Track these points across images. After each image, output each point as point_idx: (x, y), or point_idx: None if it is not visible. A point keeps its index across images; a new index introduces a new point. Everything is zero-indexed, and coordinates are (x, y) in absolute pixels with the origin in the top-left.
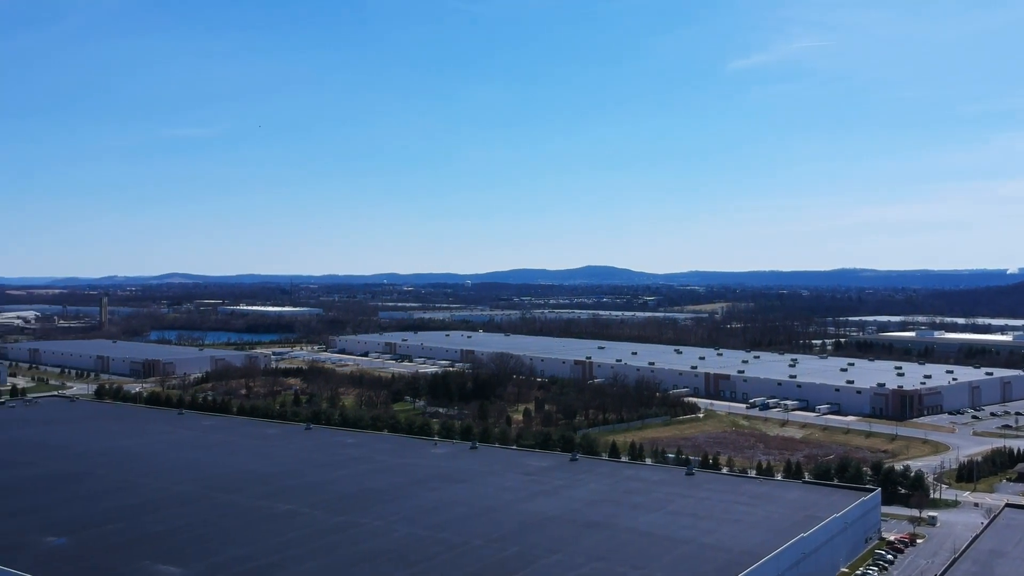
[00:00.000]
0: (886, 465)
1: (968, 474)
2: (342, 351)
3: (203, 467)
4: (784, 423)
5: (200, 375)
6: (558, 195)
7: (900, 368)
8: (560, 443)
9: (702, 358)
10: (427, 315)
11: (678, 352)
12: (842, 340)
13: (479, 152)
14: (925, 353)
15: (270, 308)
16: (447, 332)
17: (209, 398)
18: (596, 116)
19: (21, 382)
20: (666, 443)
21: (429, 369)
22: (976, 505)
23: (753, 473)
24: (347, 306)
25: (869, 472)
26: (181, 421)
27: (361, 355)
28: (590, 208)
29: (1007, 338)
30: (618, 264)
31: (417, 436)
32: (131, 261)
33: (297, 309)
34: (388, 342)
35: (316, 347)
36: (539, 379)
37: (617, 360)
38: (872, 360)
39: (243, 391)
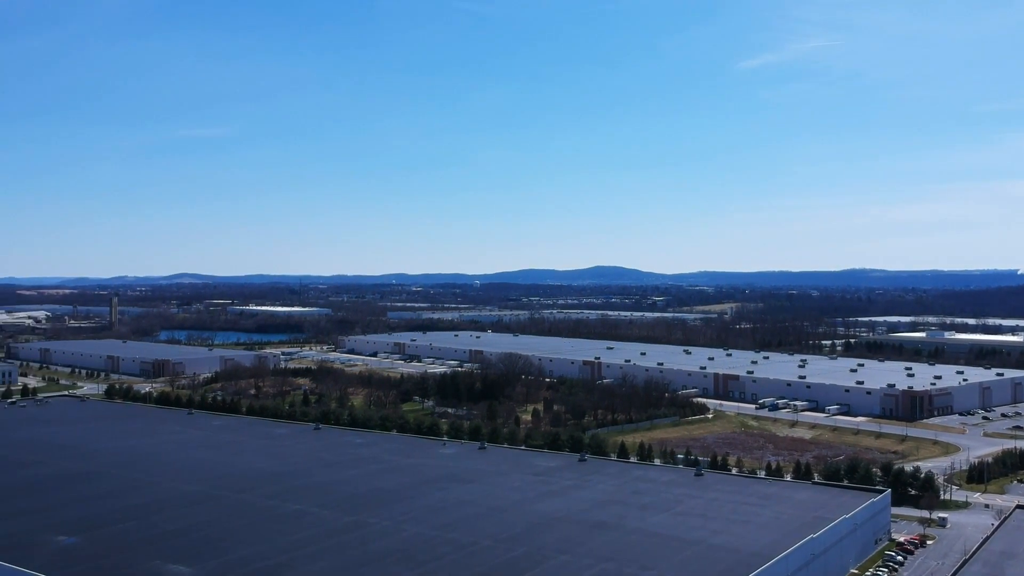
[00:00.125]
0: (896, 466)
1: (979, 475)
2: (351, 351)
3: (213, 467)
4: (794, 424)
5: (210, 375)
6: (567, 195)
7: (910, 369)
8: (569, 443)
9: (711, 358)
10: (436, 315)
11: (687, 352)
12: (852, 340)
13: (488, 152)
14: (935, 354)
15: (279, 308)
16: (456, 332)
17: (219, 398)
18: (605, 116)
19: (32, 382)
20: (675, 444)
21: (438, 369)
22: (987, 506)
23: (762, 474)
24: (356, 306)
25: (879, 473)
26: (191, 421)
27: (370, 355)
28: (599, 208)
29: (1018, 339)
30: (627, 264)
31: (426, 436)
32: (141, 261)
33: (306, 309)
34: (397, 342)
35: (325, 347)
36: (548, 379)
37: (626, 360)
38: (882, 361)
39: (252, 391)
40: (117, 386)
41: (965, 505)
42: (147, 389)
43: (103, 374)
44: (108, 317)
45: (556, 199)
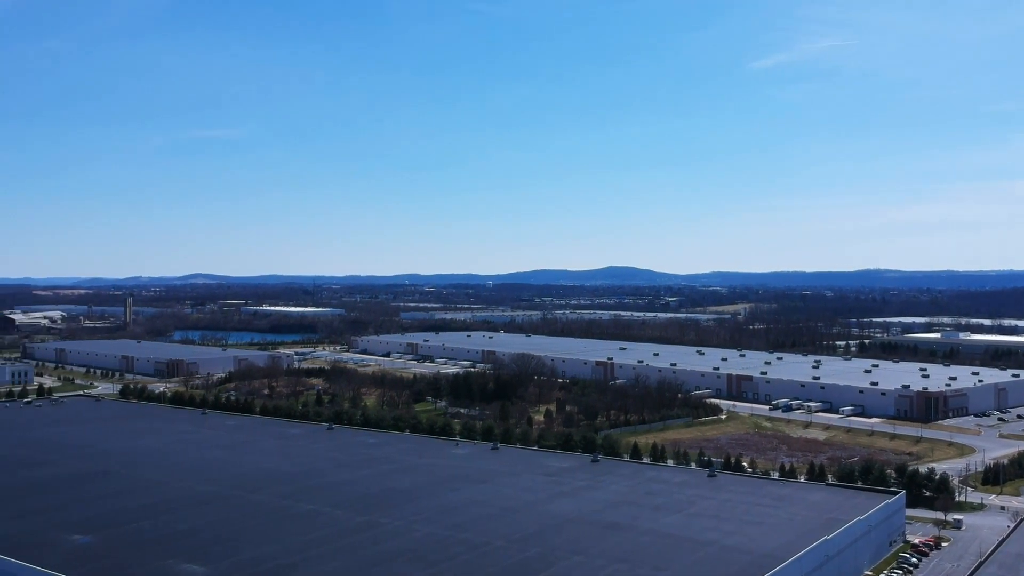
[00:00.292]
0: (911, 467)
1: (994, 477)
2: (364, 351)
3: (226, 467)
4: (807, 425)
5: (223, 375)
6: (579, 195)
7: (925, 369)
8: (581, 444)
9: (724, 359)
10: (448, 315)
11: (700, 353)
12: (866, 341)
13: (501, 153)
14: (950, 354)
15: (293, 308)
16: (468, 332)
17: (232, 398)
18: (617, 116)
19: (48, 382)
20: (688, 444)
21: (450, 369)
22: (1002, 508)
23: (776, 475)
24: (369, 306)
25: (893, 474)
26: (205, 421)
27: (383, 355)
28: (611, 208)
29: None
30: (639, 264)
31: (438, 436)
32: (155, 262)
33: (319, 309)
34: (410, 342)
35: (338, 347)
36: (560, 380)
37: (639, 361)
38: (896, 361)
39: (266, 391)
40: (132, 386)
41: (980, 507)
42: (161, 389)
43: (118, 374)
44: (123, 317)
45: (569, 199)
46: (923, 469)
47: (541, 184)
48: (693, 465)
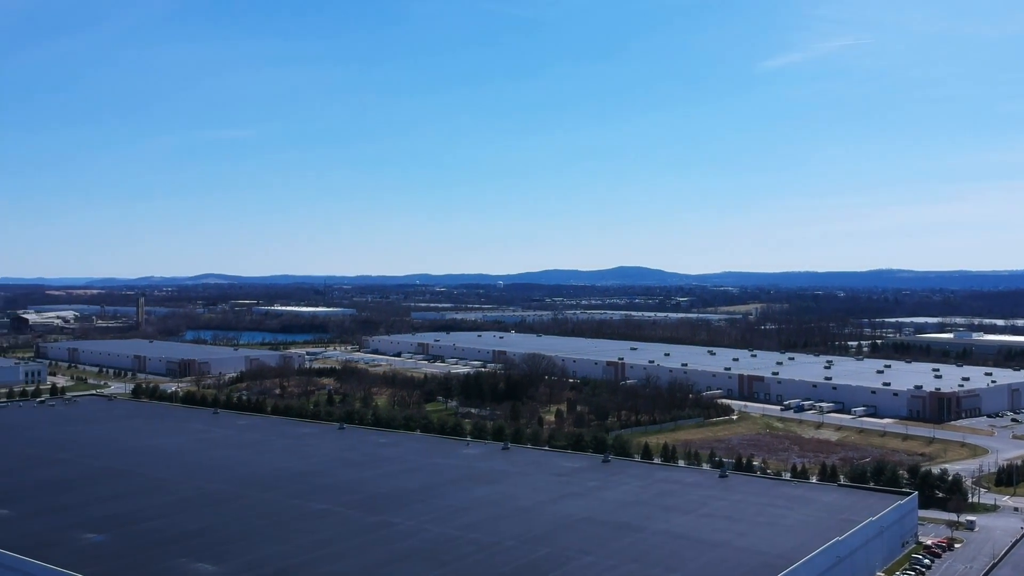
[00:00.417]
0: (923, 468)
1: (1007, 478)
2: (375, 351)
3: (238, 466)
4: (819, 425)
5: (235, 375)
6: (590, 195)
7: (938, 370)
8: (592, 444)
9: (736, 359)
10: (459, 316)
11: (711, 353)
12: (878, 342)
13: (512, 153)
14: (963, 355)
15: (304, 308)
16: (479, 333)
17: (244, 397)
18: (629, 116)
19: (61, 381)
20: (699, 445)
21: (461, 369)
22: (1016, 510)
23: (788, 476)
24: (380, 307)
25: (906, 475)
26: (216, 420)
27: (394, 355)
28: (622, 208)
29: None
30: (650, 265)
31: (449, 436)
32: (167, 262)
33: (331, 309)
34: (421, 342)
35: (349, 347)
36: (571, 380)
37: (650, 361)
38: (909, 362)
39: (277, 391)
40: (144, 385)
41: (993, 508)
42: (173, 388)
43: (130, 373)
44: (135, 317)
45: (580, 199)
46: (936, 470)
47: (552, 184)
48: (704, 466)
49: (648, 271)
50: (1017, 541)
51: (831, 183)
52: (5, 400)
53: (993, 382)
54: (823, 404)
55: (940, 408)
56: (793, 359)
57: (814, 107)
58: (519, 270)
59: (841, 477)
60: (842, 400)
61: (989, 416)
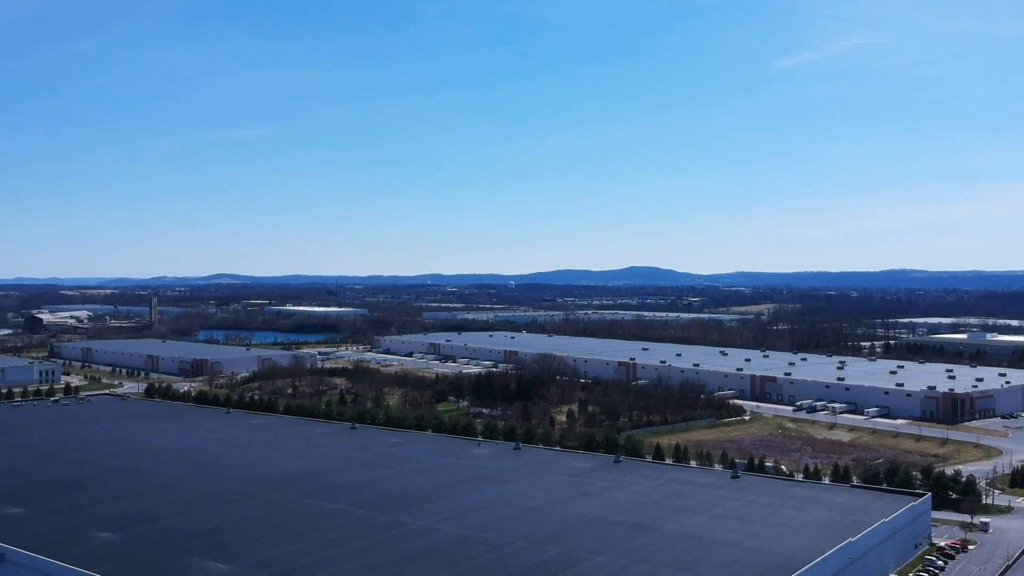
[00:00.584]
0: (936, 469)
1: (1022, 479)
2: (387, 351)
3: (250, 465)
4: (832, 426)
5: (247, 374)
6: (601, 196)
7: (951, 371)
8: (604, 444)
9: (748, 360)
10: (471, 316)
11: (723, 354)
12: (891, 342)
13: (522, 153)
14: (977, 355)
15: (316, 308)
16: (491, 333)
17: (256, 397)
18: (640, 116)
19: (75, 380)
20: (711, 445)
21: (472, 369)
22: None
23: (800, 476)
24: (392, 307)
25: (919, 476)
26: (229, 420)
27: (405, 355)
28: (634, 208)
29: None
30: (662, 265)
31: (461, 436)
32: (180, 262)
33: (342, 309)
34: (432, 342)
35: (361, 347)
36: (582, 380)
37: (661, 361)
38: (922, 362)
39: (289, 390)
40: (157, 385)
41: (1008, 510)
42: (186, 388)
43: (143, 373)
44: (148, 317)
45: (591, 199)
46: (949, 471)
47: (564, 184)
48: (716, 466)
49: (659, 271)
50: None
51: (844, 183)
52: (20, 399)
53: (1007, 383)
54: (836, 405)
55: (954, 409)
56: (805, 359)
57: (826, 106)
58: (530, 270)
59: (854, 478)
60: (855, 401)
61: (1003, 417)
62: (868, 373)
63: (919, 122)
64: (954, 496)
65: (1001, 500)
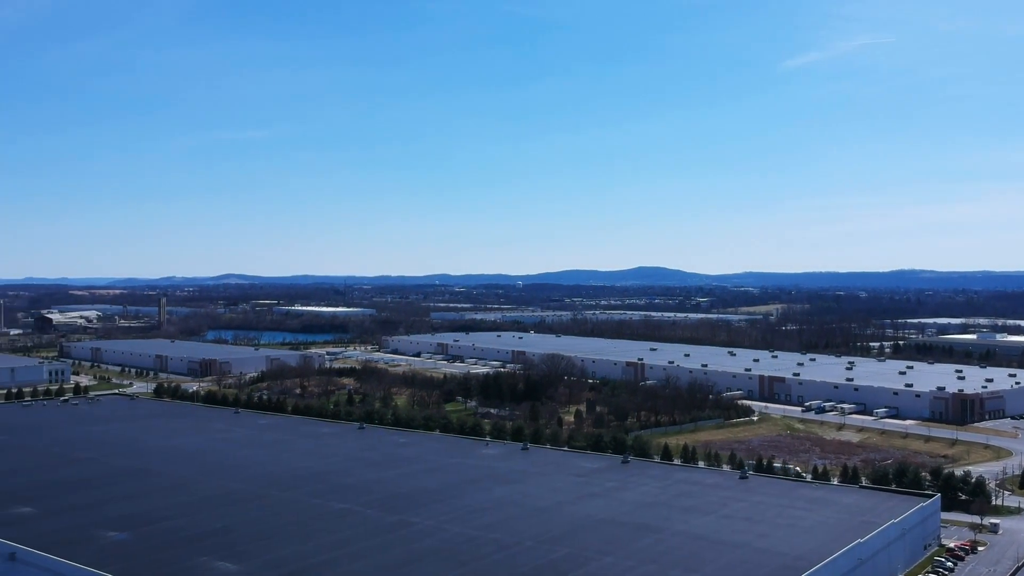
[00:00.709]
0: (946, 470)
1: None
2: (395, 351)
3: (259, 465)
4: (840, 427)
5: (256, 374)
6: (609, 196)
7: (961, 371)
8: (612, 445)
9: (756, 360)
10: (478, 316)
11: (731, 354)
12: (901, 342)
13: (530, 153)
14: (987, 356)
15: (324, 308)
16: (498, 333)
17: (264, 397)
18: (648, 116)
19: (84, 380)
20: (719, 446)
21: (480, 370)
22: None
23: (809, 477)
24: (400, 307)
25: (928, 477)
26: (237, 419)
27: (413, 355)
28: (642, 208)
29: None
30: (670, 265)
31: (469, 436)
32: (189, 262)
33: (351, 309)
34: (440, 343)
35: (369, 347)
36: (590, 380)
37: (669, 362)
38: (932, 363)
39: (298, 390)
40: (165, 385)
41: (1018, 511)
42: (194, 388)
43: (152, 373)
44: (157, 317)
45: (599, 199)
46: (959, 472)
47: (571, 184)
48: (725, 467)
49: (668, 271)
50: None
51: (853, 182)
52: (30, 399)
53: (1017, 383)
54: (844, 405)
55: (963, 410)
56: (814, 360)
57: (834, 106)
58: (538, 270)
59: (863, 479)
60: (864, 401)
61: (1013, 418)
62: (877, 374)
63: (927, 122)
64: (964, 497)
65: (1011, 501)
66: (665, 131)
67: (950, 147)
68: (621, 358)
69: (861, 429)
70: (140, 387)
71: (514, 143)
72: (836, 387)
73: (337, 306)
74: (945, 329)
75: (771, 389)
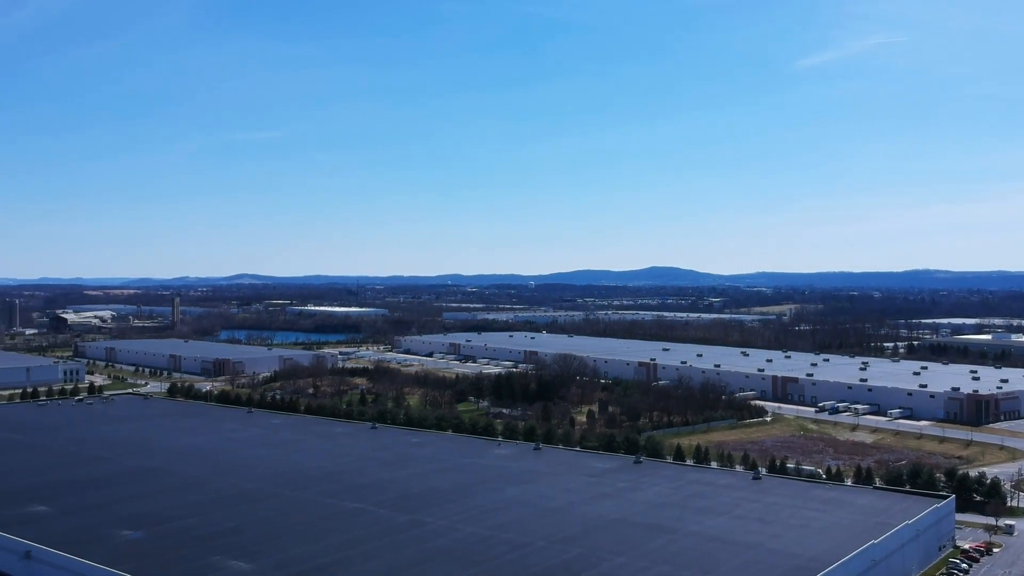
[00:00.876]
0: (960, 471)
1: None
2: (407, 351)
3: (272, 465)
4: (854, 427)
5: (269, 374)
6: (622, 195)
7: (975, 372)
8: (624, 445)
9: (769, 360)
10: (491, 316)
11: (744, 354)
12: (915, 343)
13: (543, 153)
14: (1002, 356)
15: (337, 308)
16: (510, 333)
17: (277, 397)
18: (661, 115)
19: (99, 380)
20: (732, 447)
21: (493, 370)
22: None
23: (823, 478)
24: (412, 307)
25: (943, 478)
26: (250, 419)
27: (426, 355)
28: (654, 208)
29: None
30: (682, 265)
31: (481, 436)
32: (202, 263)
33: (363, 310)
34: (452, 343)
35: (382, 347)
36: (603, 380)
37: (682, 362)
38: (946, 363)
39: (311, 390)
40: (179, 384)
41: None
42: (208, 388)
43: (165, 372)
44: (170, 317)
45: (611, 199)
46: (973, 473)
47: (584, 184)
48: (738, 467)
49: (680, 271)
50: None
51: (866, 182)
52: (45, 398)
53: None
54: (858, 406)
55: (978, 410)
56: (828, 360)
57: (848, 105)
58: (550, 270)
59: (876, 480)
60: (878, 402)
61: None
62: (891, 374)
63: (941, 121)
64: (978, 498)
65: None
66: (678, 130)
67: (964, 147)
68: (633, 358)
69: (875, 430)
70: (154, 387)
71: (526, 143)
72: (850, 388)
73: (350, 306)
74: (960, 329)
75: (784, 389)
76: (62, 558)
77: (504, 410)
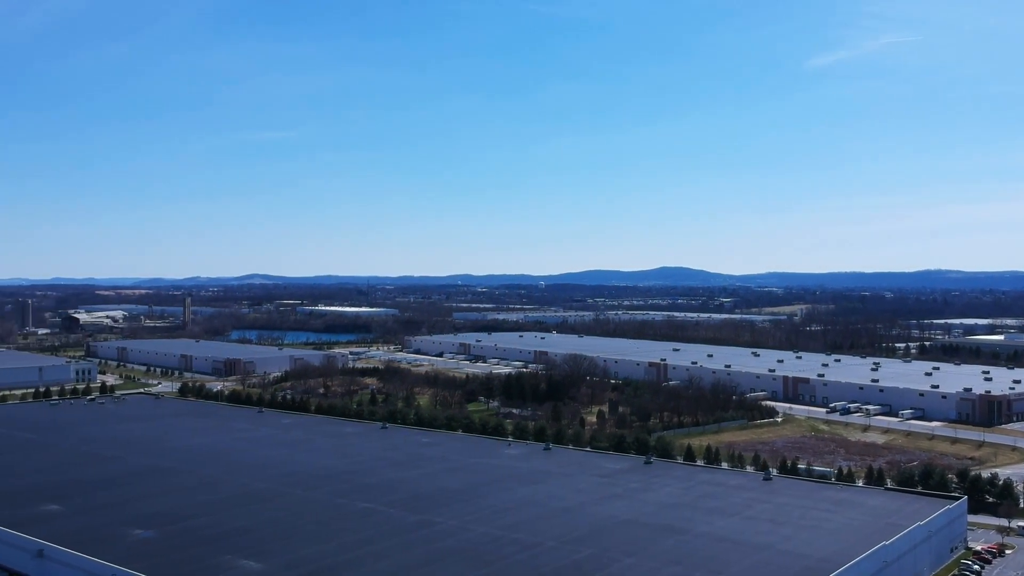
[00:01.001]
0: (973, 472)
1: None
2: (417, 351)
3: (282, 464)
4: (866, 428)
5: (279, 374)
6: (632, 195)
7: (988, 372)
8: (634, 445)
9: (780, 361)
10: (501, 316)
11: (755, 355)
12: (927, 343)
13: (553, 154)
14: (1014, 357)
15: (347, 308)
16: (521, 333)
17: (288, 396)
18: (671, 115)
19: (110, 379)
20: (743, 447)
21: (503, 370)
22: None
23: (833, 478)
24: (422, 307)
25: (955, 479)
26: (261, 419)
27: (436, 355)
28: (665, 208)
29: None
30: (693, 265)
31: (491, 436)
32: (213, 263)
33: (374, 310)
34: (462, 343)
35: (392, 347)
36: (613, 381)
37: (692, 362)
38: (958, 364)
39: (321, 390)
40: (190, 384)
41: None
42: (219, 387)
43: (177, 372)
44: (181, 317)
45: (622, 199)
46: (986, 474)
47: (594, 184)
48: (748, 468)
49: (691, 271)
50: None
51: (878, 182)
52: (57, 398)
53: None
54: (870, 406)
55: (990, 411)
56: (839, 361)
57: (860, 105)
58: (561, 270)
59: (888, 481)
60: (889, 402)
61: None
62: (903, 375)
63: (954, 120)
64: (991, 500)
65: None
66: (688, 131)
67: (977, 146)
68: (644, 358)
69: (886, 430)
70: (165, 386)
71: (537, 143)
72: (861, 388)
73: (360, 306)
74: (972, 330)
75: (795, 390)
76: (74, 557)
77: (514, 410)
